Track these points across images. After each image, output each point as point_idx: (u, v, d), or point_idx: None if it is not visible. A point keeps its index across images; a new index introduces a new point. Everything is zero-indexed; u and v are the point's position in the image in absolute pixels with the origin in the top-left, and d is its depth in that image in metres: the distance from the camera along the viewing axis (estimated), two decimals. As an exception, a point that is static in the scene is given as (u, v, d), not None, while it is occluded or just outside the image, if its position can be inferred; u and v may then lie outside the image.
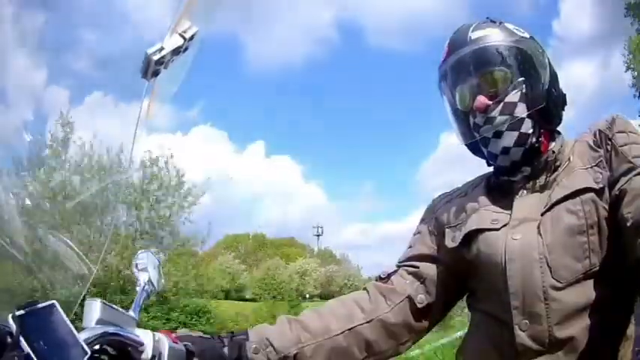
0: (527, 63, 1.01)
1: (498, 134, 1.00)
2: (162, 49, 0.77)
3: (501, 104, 0.99)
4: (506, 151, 1.01)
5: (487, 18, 1.07)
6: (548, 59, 1.05)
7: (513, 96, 0.99)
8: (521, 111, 0.99)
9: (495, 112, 0.99)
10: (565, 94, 1.07)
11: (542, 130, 1.02)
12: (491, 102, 0.99)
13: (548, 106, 1.01)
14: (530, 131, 1.00)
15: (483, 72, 1.01)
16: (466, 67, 1.02)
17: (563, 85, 1.07)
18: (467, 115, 1.04)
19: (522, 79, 1.00)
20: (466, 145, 1.08)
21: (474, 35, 1.02)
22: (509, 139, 1.00)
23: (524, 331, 0.90)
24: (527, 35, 1.04)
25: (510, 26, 1.05)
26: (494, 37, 1.01)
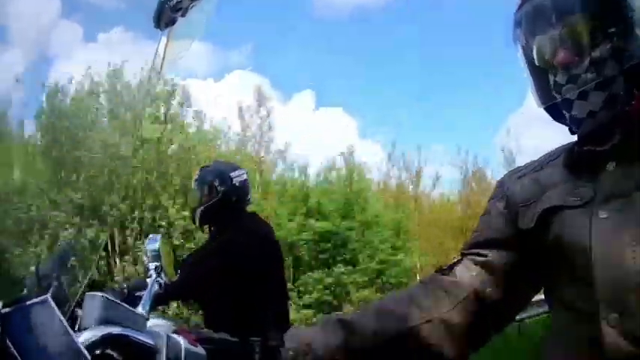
0: (618, 10, 0.91)
1: (584, 95, 0.90)
2: (178, -8, 0.65)
3: (588, 59, 0.90)
4: (592, 114, 0.91)
5: None
6: None
7: (602, 50, 0.90)
8: (612, 68, 0.90)
9: (580, 69, 0.90)
10: None
11: (635, 91, 0.91)
12: (576, 57, 0.90)
13: None
14: (622, 92, 0.90)
15: (567, 21, 0.91)
16: (546, 14, 0.93)
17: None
18: (546, 72, 0.94)
19: (613, 29, 0.90)
20: (545, 108, 0.98)
21: None
22: (597, 100, 0.90)
23: (613, 328, 0.81)
24: None
25: None
26: None
